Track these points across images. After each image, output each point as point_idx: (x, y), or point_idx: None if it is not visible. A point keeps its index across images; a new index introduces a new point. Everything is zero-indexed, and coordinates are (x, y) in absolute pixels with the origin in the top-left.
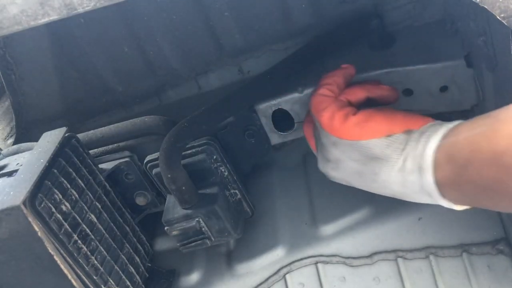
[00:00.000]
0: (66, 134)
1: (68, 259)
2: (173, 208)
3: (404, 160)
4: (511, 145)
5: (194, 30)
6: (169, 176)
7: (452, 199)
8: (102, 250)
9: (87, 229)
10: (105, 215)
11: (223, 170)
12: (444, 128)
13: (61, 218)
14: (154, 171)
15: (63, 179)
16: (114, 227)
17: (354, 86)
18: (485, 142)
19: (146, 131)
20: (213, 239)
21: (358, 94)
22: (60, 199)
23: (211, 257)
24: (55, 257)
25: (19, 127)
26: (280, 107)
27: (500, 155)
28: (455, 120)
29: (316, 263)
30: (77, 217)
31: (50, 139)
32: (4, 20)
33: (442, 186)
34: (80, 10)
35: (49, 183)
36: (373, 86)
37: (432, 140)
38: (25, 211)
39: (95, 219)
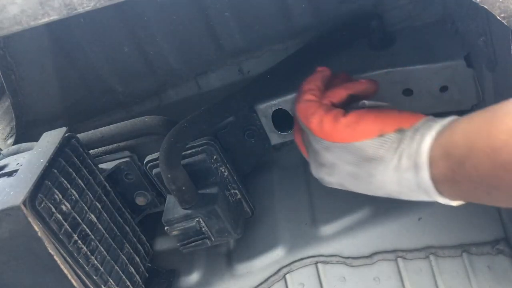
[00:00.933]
0: (66, 134)
1: (68, 259)
2: (173, 208)
3: (399, 158)
4: (509, 140)
5: (194, 30)
6: (169, 176)
7: (449, 195)
8: (102, 250)
9: (87, 229)
10: (105, 215)
11: (223, 170)
12: (439, 124)
13: (61, 218)
14: (154, 171)
15: (63, 179)
16: (114, 227)
17: (334, 87)
18: (482, 137)
19: (146, 131)
20: (213, 239)
21: (339, 94)
22: (60, 199)
23: (211, 257)
24: (55, 257)
25: (19, 127)
26: (280, 107)
27: (497, 151)
28: (450, 116)
29: (316, 263)
30: (77, 217)
31: (50, 139)
32: (4, 20)
33: (438, 182)
34: (80, 10)
35: (49, 183)
36: (352, 83)
37: (427, 137)
38: (25, 211)
39: (95, 219)
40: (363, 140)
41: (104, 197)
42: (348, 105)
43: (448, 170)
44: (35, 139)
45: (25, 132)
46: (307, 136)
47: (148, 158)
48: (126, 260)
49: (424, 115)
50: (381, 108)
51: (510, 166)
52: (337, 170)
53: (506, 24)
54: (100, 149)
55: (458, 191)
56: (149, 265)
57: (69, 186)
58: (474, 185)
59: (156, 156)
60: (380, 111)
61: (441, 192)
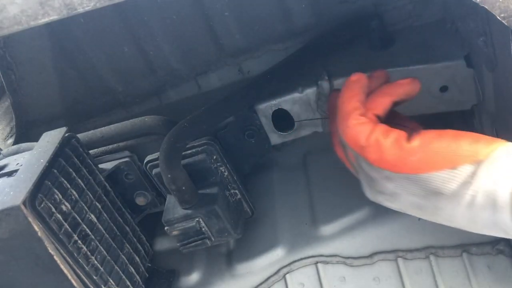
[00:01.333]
0: (66, 134)
1: (68, 259)
2: (173, 208)
3: (474, 195)
4: None
5: (194, 30)
6: (169, 176)
7: None
8: (102, 250)
9: (87, 229)
10: (105, 215)
11: (223, 170)
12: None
13: (61, 218)
14: (154, 171)
15: (63, 179)
16: (114, 227)
17: (374, 95)
18: None
19: (146, 131)
20: (213, 239)
21: (383, 103)
22: (60, 199)
23: (211, 257)
24: (55, 257)
25: (19, 127)
26: (280, 107)
27: None
28: None
29: (316, 263)
30: (77, 217)
31: (50, 139)
32: (4, 20)
33: None
34: (80, 10)
35: (49, 183)
36: (392, 86)
37: (508, 170)
38: (25, 211)
39: (95, 219)
40: (432, 172)
41: (104, 197)
42: (391, 118)
43: None
44: (35, 139)
45: (25, 132)
46: (357, 159)
47: (148, 158)
48: (126, 260)
49: (500, 140)
50: (449, 132)
51: None
52: (399, 199)
53: (506, 24)
54: (100, 149)
55: None
56: (149, 265)
57: (69, 186)
58: None
59: (156, 156)
60: (449, 135)
61: None
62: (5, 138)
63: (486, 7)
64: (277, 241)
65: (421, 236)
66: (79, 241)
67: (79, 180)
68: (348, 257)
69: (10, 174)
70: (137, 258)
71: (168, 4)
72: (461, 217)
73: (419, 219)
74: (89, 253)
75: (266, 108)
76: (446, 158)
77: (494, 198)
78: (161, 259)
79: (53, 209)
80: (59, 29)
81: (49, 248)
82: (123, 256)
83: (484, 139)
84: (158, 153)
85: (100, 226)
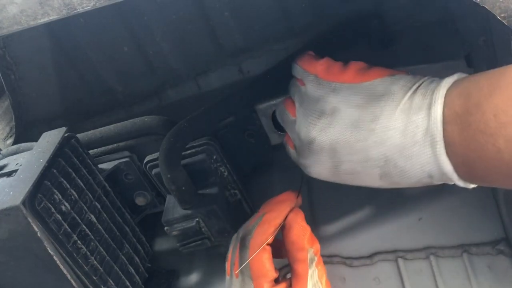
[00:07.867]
0: (66, 134)
1: (67, 259)
2: (172, 208)
3: (411, 97)
4: None
5: (194, 30)
6: (168, 176)
7: (457, 143)
8: (102, 250)
9: (87, 229)
10: (105, 215)
11: (223, 170)
12: (459, 73)
13: (60, 218)
14: (154, 171)
15: (62, 179)
16: (114, 227)
17: None
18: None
19: (146, 131)
20: (213, 239)
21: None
22: (59, 199)
23: (211, 258)
24: (54, 257)
25: (18, 127)
26: None
27: None
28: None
29: None
30: (77, 217)
31: (50, 139)
32: (3, 20)
33: (449, 123)
34: (80, 9)
35: (49, 183)
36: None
37: (448, 78)
38: (24, 211)
39: (94, 219)
40: (374, 79)
41: (104, 197)
42: None
43: (464, 110)
44: (35, 139)
45: (25, 132)
46: (300, 94)
47: (147, 158)
48: (126, 261)
49: None
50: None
51: None
52: (337, 119)
53: (506, 24)
54: (99, 149)
55: (468, 139)
56: (149, 265)
57: (68, 186)
58: (486, 138)
59: (156, 156)
60: None
61: (448, 137)
62: (4, 138)
63: (486, 7)
64: None
65: (421, 236)
66: (78, 241)
67: (79, 180)
68: (348, 257)
69: (9, 174)
70: (136, 258)
71: (168, 4)
72: (394, 128)
73: (420, 219)
74: (88, 253)
75: (266, 108)
76: (387, 70)
77: (430, 96)
78: (161, 260)
79: (53, 209)
80: (58, 29)
81: (48, 248)
82: (122, 257)
83: None
84: (158, 153)
85: (99, 226)
